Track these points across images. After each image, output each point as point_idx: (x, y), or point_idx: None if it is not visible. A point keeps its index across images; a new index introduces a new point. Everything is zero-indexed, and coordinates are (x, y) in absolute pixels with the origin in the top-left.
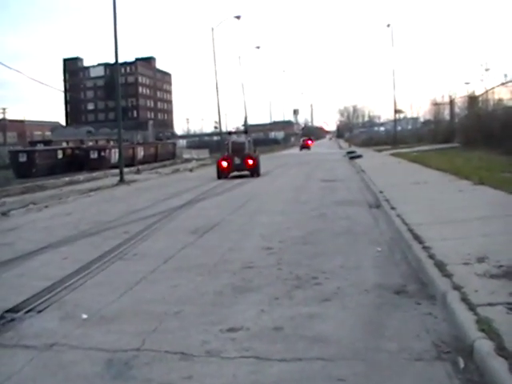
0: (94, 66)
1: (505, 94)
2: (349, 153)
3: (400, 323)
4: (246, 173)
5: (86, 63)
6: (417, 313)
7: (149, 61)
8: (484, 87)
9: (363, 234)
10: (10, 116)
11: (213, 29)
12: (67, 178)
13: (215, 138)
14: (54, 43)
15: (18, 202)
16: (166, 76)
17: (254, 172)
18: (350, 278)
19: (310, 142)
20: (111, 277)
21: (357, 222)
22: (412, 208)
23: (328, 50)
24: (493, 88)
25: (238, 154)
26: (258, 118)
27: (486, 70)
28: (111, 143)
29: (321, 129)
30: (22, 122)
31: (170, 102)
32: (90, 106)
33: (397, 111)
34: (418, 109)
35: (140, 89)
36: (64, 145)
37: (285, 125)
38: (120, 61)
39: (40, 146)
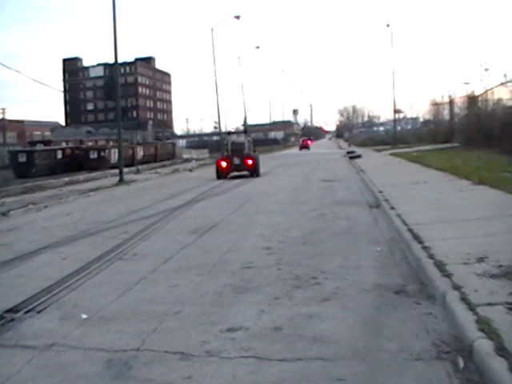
0: (93, 66)
1: (504, 93)
2: (348, 153)
3: (400, 323)
4: (245, 173)
5: (85, 63)
6: (416, 313)
7: (148, 61)
8: (483, 87)
9: (363, 234)
10: (9, 116)
11: (212, 29)
12: (67, 178)
13: (215, 138)
14: (54, 43)
15: (18, 202)
16: (165, 76)
17: (254, 172)
18: (350, 277)
19: (309, 141)
20: (111, 277)
21: (356, 222)
22: (411, 208)
23: (327, 50)
24: (492, 88)
25: (238, 154)
26: (257, 118)
27: (486, 69)
28: (111, 143)
29: (320, 129)
30: (21, 122)
31: (169, 102)
32: (90, 106)
33: (396, 111)
34: (418, 109)
35: (139, 89)
36: (63, 145)
37: (284, 125)
38: (119, 61)
39: (39, 146)
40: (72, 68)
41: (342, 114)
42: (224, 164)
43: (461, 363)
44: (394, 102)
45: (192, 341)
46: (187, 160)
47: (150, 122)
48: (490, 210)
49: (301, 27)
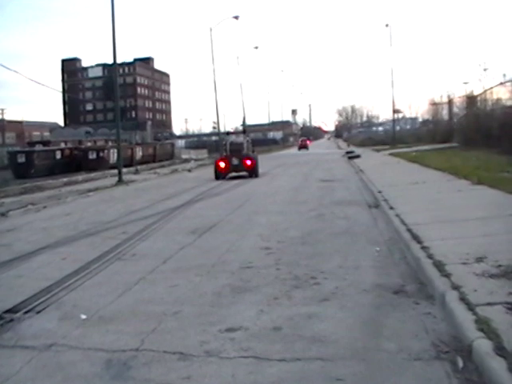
0: (92, 67)
1: (503, 93)
2: (347, 153)
3: (399, 323)
4: (244, 173)
5: (84, 64)
6: (415, 313)
7: (147, 61)
8: (482, 87)
9: (362, 234)
10: (8, 117)
11: (211, 29)
12: (66, 179)
13: (214, 138)
14: (53, 44)
15: (17, 203)
16: (164, 76)
17: (253, 173)
18: (349, 277)
19: (308, 141)
20: (110, 277)
21: (355, 222)
22: (411, 208)
23: (326, 50)
24: (491, 88)
25: (236, 154)
26: (256, 118)
27: (485, 69)
28: (110, 144)
29: (319, 129)
30: (20, 122)
31: (168, 102)
32: (89, 107)
33: (395, 111)
34: (417, 109)
35: (138, 89)
36: (62, 145)
37: (283, 125)
38: (118, 61)
39: (38, 147)
40: (71, 68)
41: (340, 114)
42: (222, 164)
43: (460, 363)
44: (393, 102)
45: (191, 341)
46: (186, 160)
47: (149, 123)
48: (488, 209)
49: (300, 27)
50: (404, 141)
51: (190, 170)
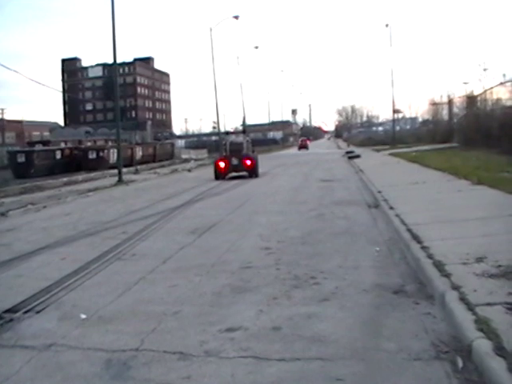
0: (92, 67)
1: (503, 93)
2: (347, 153)
3: (398, 323)
4: (244, 173)
5: (84, 63)
6: (415, 313)
7: (147, 61)
8: (482, 87)
9: (362, 234)
10: (8, 116)
11: (211, 29)
12: (65, 179)
13: (214, 138)
14: (52, 43)
15: (17, 203)
16: (164, 76)
17: (253, 173)
18: (349, 277)
19: (308, 141)
20: (110, 277)
21: (355, 222)
22: (410, 208)
23: (326, 50)
24: (491, 88)
25: (236, 154)
26: (256, 118)
27: (485, 69)
28: (109, 143)
29: (319, 129)
30: (20, 122)
31: (168, 102)
32: (89, 107)
33: (395, 111)
34: (417, 109)
35: (138, 89)
36: (62, 145)
37: (283, 125)
38: (118, 61)
39: (38, 147)
40: (71, 68)
41: (340, 114)
42: (222, 164)
43: (460, 363)
44: (393, 102)
45: (191, 341)
46: (186, 160)
47: (149, 122)
48: (488, 210)
49: (300, 27)
50: (404, 141)
51: (189, 170)
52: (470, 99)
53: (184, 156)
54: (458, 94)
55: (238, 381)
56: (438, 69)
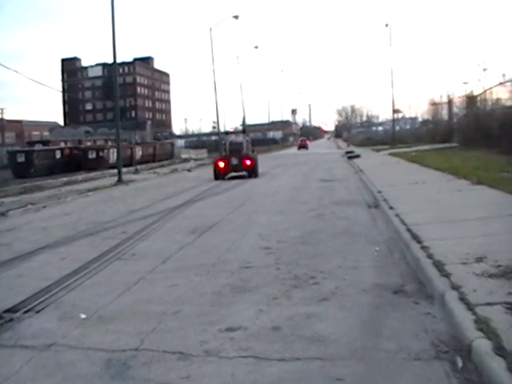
0: (92, 66)
1: (503, 93)
2: (347, 152)
3: (398, 323)
4: (243, 173)
5: (84, 63)
6: (415, 312)
7: (147, 61)
8: (482, 87)
9: (361, 234)
10: (8, 116)
11: (211, 29)
12: (65, 179)
13: (213, 137)
14: (53, 43)
15: (16, 203)
16: (164, 76)
17: (252, 172)
18: (348, 277)
19: (307, 141)
20: (109, 277)
21: (355, 222)
22: (410, 208)
23: (326, 50)
24: (491, 88)
25: (236, 154)
26: (256, 118)
27: (484, 69)
28: (109, 143)
29: (319, 129)
30: (20, 122)
31: (168, 101)
32: (88, 106)
33: (395, 111)
34: (417, 109)
35: (138, 89)
36: (62, 145)
37: (283, 125)
38: (118, 61)
39: (38, 147)
40: (71, 68)
41: (340, 114)
42: (222, 164)
43: (459, 363)
44: (393, 102)
45: (191, 340)
46: (186, 160)
47: (149, 122)
48: (488, 209)
49: (299, 27)
50: (404, 141)
51: (189, 170)
52: (470, 99)
53: (184, 156)
54: (458, 93)
55: (237, 380)
56: (437, 69)
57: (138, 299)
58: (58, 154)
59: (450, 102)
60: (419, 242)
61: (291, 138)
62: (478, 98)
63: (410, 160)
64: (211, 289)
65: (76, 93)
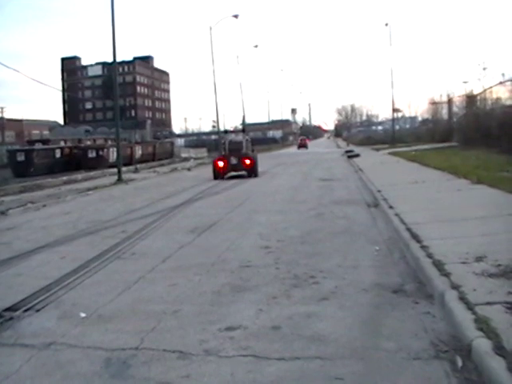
0: (91, 65)
1: (503, 93)
2: (347, 152)
3: (398, 322)
4: (243, 173)
5: (83, 62)
6: (415, 312)
7: (147, 60)
8: (482, 86)
9: (361, 234)
10: (8, 115)
11: (211, 28)
12: (65, 177)
13: (213, 137)
14: (53, 43)
15: (16, 201)
16: (163, 75)
17: (252, 172)
18: (348, 277)
19: (307, 140)
20: (109, 276)
21: (355, 222)
22: (410, 207)
23: (326, 49)
24: (491, 87)
25: (235, 153)
26: (256, 117)
27: (484, 69)
28: (109, 142)
29: (319, 128)
30: (20, 121)
31: (168, 101)
32: (88, 106)
33: (395, 110)
34: (416, 108)
35: (138, 88)
36: (62, 144)
37: (283, 124)
38: (118, 60)
39: (38, 146)
40: (70, 67)
41: (340, 113)
42: (221, 164)
43: (459, 362)
44: (393, 101)
45: (190, 340)
46: (185, 159)
47: (149, 121)
48: (488, 209)
49: (299, 26)
50: (403, 140)
51: (189, 169)
52: (470, 98)
53: (183, 155)
54: (458, 93)
55: (237, 380)
56: (437, 68)
57: (137, 298)
58: (58, 153)
59: (449, 102)
60: (419, 241)
61: (291, 138)
62: (478, 98)
63: (410, 159)
64: (211, 288)
65: (76, 92)
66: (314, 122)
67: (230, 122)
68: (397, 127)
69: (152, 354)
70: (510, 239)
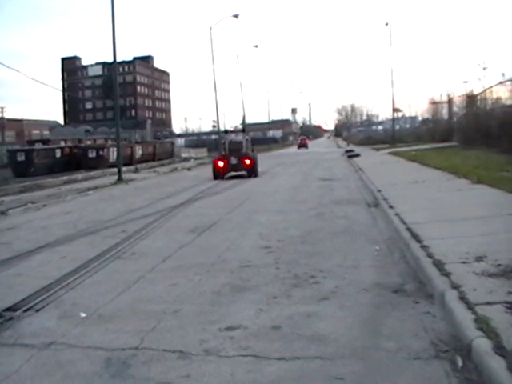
0: (92, 65)
1: (503, 92)
2: (347, 152)
3: (398, 322)
4: (243, 173)
5: (84, 62)
6: (415, 312)
7: (147, 60)
8: (482, 86)
9: (361, 233)
10: (8, 115)
11: (211, 28)
12: (65, 177)
13: (213, 136)
14: (53, 42)
15: (16, 201)
16: (164, 75)
17: (252, 172)
18: (348, 276)
19: (307, 140)
20: (109, 276)
21: (355, 221)
22: (410, 207)
23: (326, 49)
24: (491, 87)
25: (235, 153)
26: (256, 117)
27: (484, 68)
28: (109, 142)
29: (319, 128)
30: (20, 121)
31: (168, 100)
32: (89, 105)
33: (395, 110)
34: (417, 108)
35: (138, 88)
36: (62, 144)
37: (283, 124)
38: (118, 60)
39: (38, 145)
40: (71, 67)
41: (340, 113)
42: (221, 164)
43: (459, 362)
44: (393, 101)
45: (191, 339)
46: (186, 159)
47: (149, 121)
48: (488, 209)
49: (299, 26)
50: (403, 140)
51: (189, 169)
52: (470, 98)
53: (184, 155)
54: (458, 93)
55: (237, 380)
56: (437, 68)
57: (137, 298)
58: (58, 153)
59: (449, 101)
60: (419, 241)
61: (291, 137)
62: (478, 97)
63: (410, 159)
64: (211, 288)
65: (76, 92)
66: (314, 122)
67: (230, 122)
68: (397, 127)
69: (152, 354)
70: (510, 239)
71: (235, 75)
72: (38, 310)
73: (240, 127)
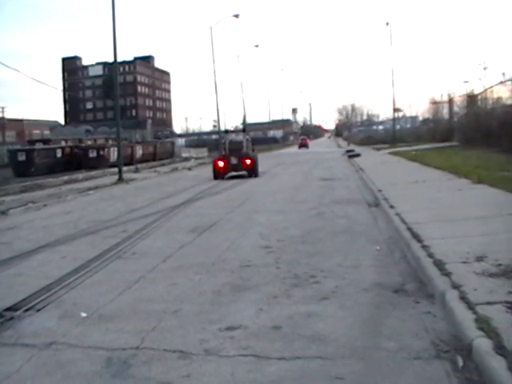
0: (92, 65)
1: (503, 92)
2: (347, 151)
3: (399, 322)
4: (243, 173)
5: (84, 62)
6: (415, 311)
7: (147, 60)
8: (483, 86)
9: (362, 233)
10: (8, 115)
11: (211, 27)
12: (66, 177)
13: (214, 136)
14: (53, 42)
15: (17, 201)
16: (164, 75)
17: (252, 172)
18: (349, 276)
19: (308, 140)
20: (110, 275)
21: (355, 221)
22: (411, 207)
23: (327, 49)
24: (491, 87)
25: (235, 153)
26: (256, 117)
27: (485, 68)
28: (110, 142)
29: (319, 127)
30: (20, 121)
31: (168, 100)
32: (89, 105)
33: (396, 110)
34: (417, 107)
35: (139, 88)
36: (63, 144)
37: (283, 123)
38: (119, 60)
39: (39, 145)
40: (71, 67)
41: (341, 113)
42: (221, 164)
43: (460, 362)
44: (394, 101)
45: (191, 339)
46: (186, 159)
47: (149, 121)
48: (489, 208)
49: (300, 26)
50: (404, 140)
51: (190, 169)
52: (471, 98)
53: (184, 155)
54: (459, 92)
55: (237, 379)
56: (438, 67)
57: (138, 298)
58: (59, 153)
59: (450, 101)
60: (420, 241)
61: (292, 137)
62: (479, 97)
63: (411, 159)
64: (211, 288)
65: (76, 92)
66: (315, 122)
67: (231, 122)
68: (397, 127)
69: (152, 354)
70: (510, 239)
71: (236, 75)
72: (38, 310)
73: (240, 127)
